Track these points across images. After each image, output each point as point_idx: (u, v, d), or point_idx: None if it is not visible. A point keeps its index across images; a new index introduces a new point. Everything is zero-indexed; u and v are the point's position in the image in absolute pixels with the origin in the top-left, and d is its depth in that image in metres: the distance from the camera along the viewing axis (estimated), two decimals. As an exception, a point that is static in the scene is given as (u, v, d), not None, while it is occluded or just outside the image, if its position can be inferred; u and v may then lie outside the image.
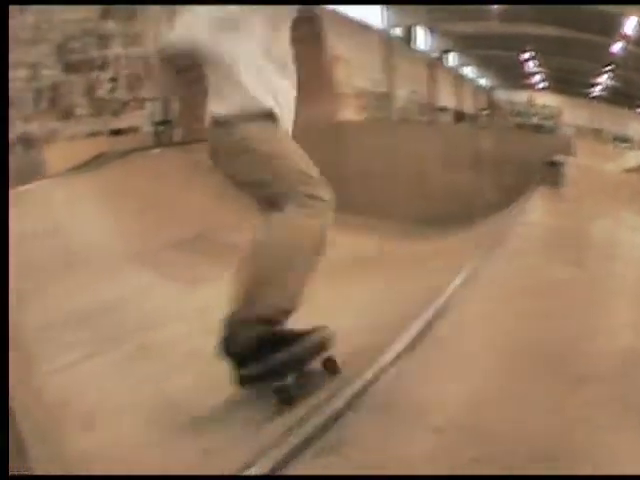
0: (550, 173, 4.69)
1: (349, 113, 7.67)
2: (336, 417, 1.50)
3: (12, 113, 9.30)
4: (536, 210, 4.06)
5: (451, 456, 1.34)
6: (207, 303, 2.99)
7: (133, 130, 10.73)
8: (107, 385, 2.09)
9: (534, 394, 1.58)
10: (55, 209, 5.74)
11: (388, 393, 1.63)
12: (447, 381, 1.69)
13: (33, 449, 0.94)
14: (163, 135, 10.02)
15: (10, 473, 0.86)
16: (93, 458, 1.46)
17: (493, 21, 19.61)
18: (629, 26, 17.94)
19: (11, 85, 9.08)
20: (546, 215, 3.96)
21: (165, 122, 10.44)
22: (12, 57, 9.19)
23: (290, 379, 1.64)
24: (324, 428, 1.46)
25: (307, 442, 1.39)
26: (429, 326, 2.03)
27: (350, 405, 1.55)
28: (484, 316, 2.17)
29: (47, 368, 2.02)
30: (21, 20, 9.36)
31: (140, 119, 11.00)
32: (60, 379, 2.04)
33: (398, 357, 1.82)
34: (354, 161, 5.93)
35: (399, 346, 1.88)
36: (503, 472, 1.24)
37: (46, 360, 2.09)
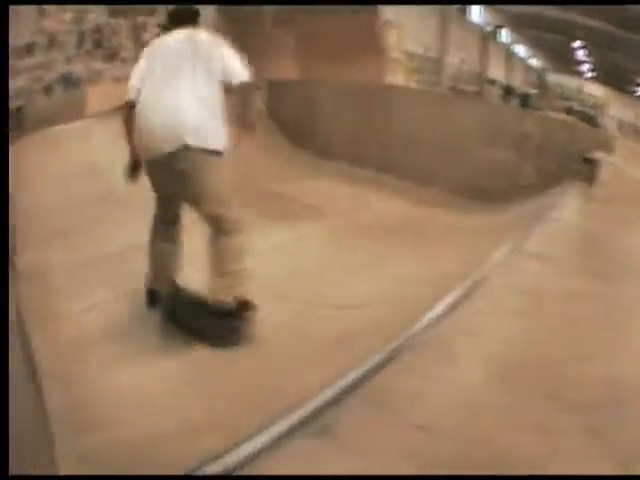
0: (586, 170, 4.64)
1: (398, 78, 7.55)
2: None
3: (55, 54, 9.15)
4: (566, 207, 4.09)
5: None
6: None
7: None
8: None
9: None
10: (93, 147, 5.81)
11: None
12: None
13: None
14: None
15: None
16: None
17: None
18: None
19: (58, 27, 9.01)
20: (576, 214, 3.98)
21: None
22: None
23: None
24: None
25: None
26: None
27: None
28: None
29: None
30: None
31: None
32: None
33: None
34: (399, 126, 6.00)
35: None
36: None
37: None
